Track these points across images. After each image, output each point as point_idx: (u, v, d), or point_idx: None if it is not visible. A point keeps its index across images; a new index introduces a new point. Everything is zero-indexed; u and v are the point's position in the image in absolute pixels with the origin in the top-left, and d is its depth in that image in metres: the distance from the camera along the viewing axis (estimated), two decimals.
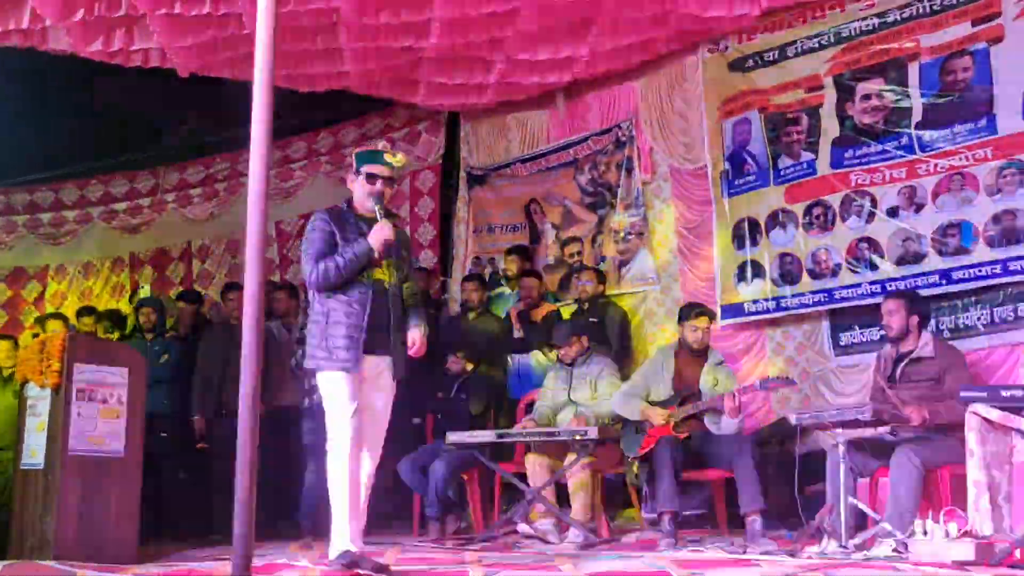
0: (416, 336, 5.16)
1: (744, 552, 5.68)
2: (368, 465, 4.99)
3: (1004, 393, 4.86)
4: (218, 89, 8.70)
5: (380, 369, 5.03)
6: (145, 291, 11.55)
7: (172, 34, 7.34)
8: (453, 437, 6.96)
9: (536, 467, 6.87)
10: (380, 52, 7.91)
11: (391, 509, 8.53)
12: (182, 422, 8.40)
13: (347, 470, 4.82)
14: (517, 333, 8.48)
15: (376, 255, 4.94)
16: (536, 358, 8.33)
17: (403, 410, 8.08)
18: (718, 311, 7.87)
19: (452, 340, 8.28)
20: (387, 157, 5.06)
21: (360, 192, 5.09)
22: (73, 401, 5.87)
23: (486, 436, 6.93)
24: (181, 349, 8.75)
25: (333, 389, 4.92)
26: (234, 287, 8.57)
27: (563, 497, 6.94)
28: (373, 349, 4.97)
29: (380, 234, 4.92)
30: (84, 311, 10.16)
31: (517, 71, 8.51)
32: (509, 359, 8.43)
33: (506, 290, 9.23)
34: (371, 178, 5.04)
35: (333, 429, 4.88)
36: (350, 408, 4.87)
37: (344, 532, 4.78)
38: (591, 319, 8.08)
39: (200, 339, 8.72)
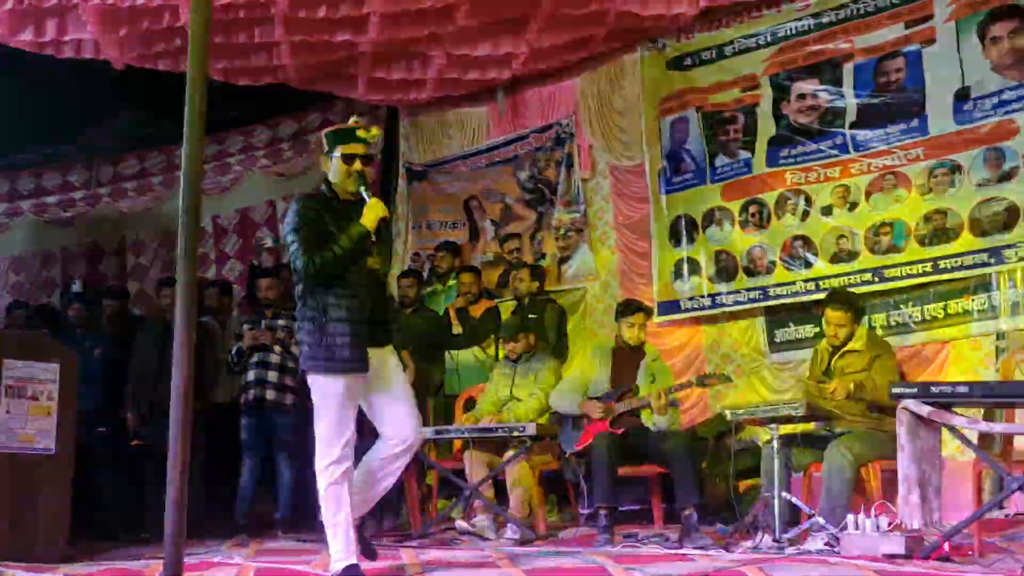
0: None
1: (680, 547, 5.71)
2: (398, 451, 4.66)
3: (934, 389, 4.94)
4: (154, 82, 8.57)
5: (384, 358, 4.67)
6: (77, 286, 11.36)
7: (105, 25, 7.22)
8: None
9: (474, 463, 6.85)
10: (318, 46, 7.84)
11: None
12: (114, 419, 8.27)
13: (340, 490, 4.45)
14: (455, 329, 8.45)
15: (373, 238, 4.56)
16: (475, 354, 8.32)
17: None
18: (655, 308, 7.91)
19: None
20: (360, 133, 4.69)
21: (338, 174, 4.66)
22: (2, 398, 5.75)
23: (424, 432, 6.89)
24: (112, 345, 8.61)
25: (330, 399, 4.49)
26: (168, 282, 8.44)
27: (502, 493, 6.95)
28: (374, 342, 4.62)
29: (374, 213, 4.54)
30: (14, 306, 9.97)
31: (456, 67, 8.49)
32: (447, 355, 8.41)
33: (438, 286, 9.19)
34: (348, 159, 4.63)
35: (325, 444, 4.46)
36: (345, 425, 4.48)
37: (341, 549, 4.42)
38: (530, 316, 8.08)
39: (131, 335, 8.57)
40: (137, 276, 11.31)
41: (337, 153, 4.66)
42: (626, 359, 6.73)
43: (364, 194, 4.61)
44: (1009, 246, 6.38)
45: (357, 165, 4.62)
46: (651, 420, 6.44)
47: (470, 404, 7.54)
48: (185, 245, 2.21)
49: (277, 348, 7.90)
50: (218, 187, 10.81)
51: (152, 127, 10.99)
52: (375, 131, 4.83)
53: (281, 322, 8.03)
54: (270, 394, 7.84)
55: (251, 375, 7.87)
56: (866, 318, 6.88)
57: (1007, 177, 6.44)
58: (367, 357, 4.52)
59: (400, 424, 4.65)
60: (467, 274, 8.61)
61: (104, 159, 11.65)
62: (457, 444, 7.41)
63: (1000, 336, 6.48)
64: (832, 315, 6.16)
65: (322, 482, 4.45)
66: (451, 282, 8.97)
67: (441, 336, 8.38)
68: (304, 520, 7.94)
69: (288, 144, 10.80)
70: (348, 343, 4.47)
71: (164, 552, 3.31)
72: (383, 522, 7.39)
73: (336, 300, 4.53)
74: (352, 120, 4.79)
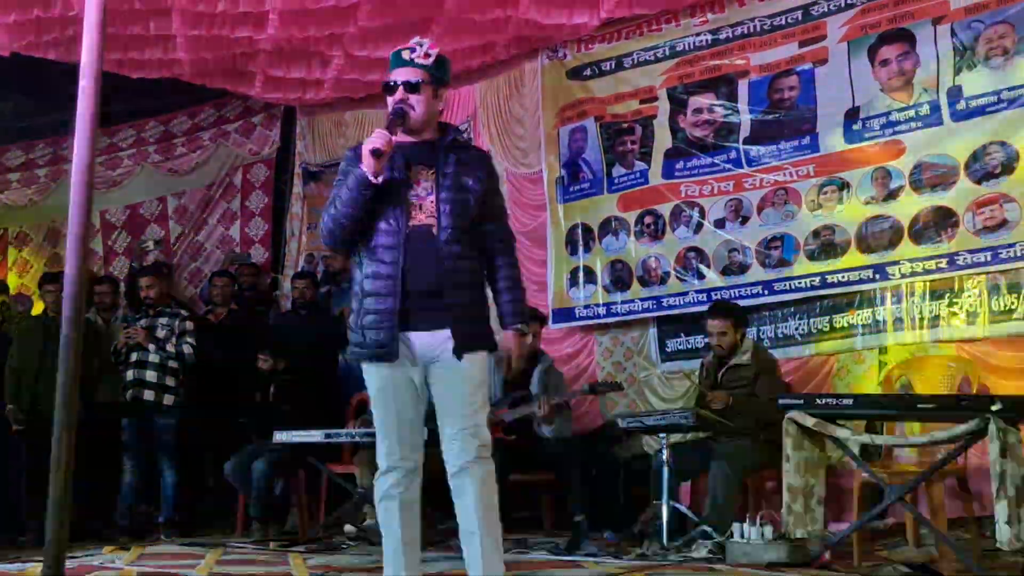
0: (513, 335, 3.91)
1: (569, 554, 5.75)
2: (454, 482, 3.72)
3: (820, 401, 5.08)
4: (41, 71, 8.33)
5: (436, 350, 3.69)
6: None
7: None
8: (280, 436, 6.83)
9: (365, 467, 6.79)
10: (215, 41, 7.71)
11: (214, 509, 8.35)
12: None
13: (388, 509, 3.76)
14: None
15: (374, 178, 3.63)
16: None
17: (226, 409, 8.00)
18: (549, 315, 7.96)
19: (271, 339, 8.11)
20: (405, 55, 3.79)
21: None
22: None
23: (313, 436, 6.82)
24: None
25: (372, 393, 3.82)
26: (51, 278, 8.21)
27: None
28: (419, 323, 3.69)
29: (365, 147, 3.62)
30: None
31: (356, 68, 8.42)
32: (341, 358, 8.33)
33: (333, 288, 9.10)
34: (388, 89, 3.79)
35: (377, 450, 3.83)
36: (390, 427, 3.75)
37: (394, 568, 3.76)
38: None
39: (9, 331, 8.31)
40: (19, 270, 10.97)
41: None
42: (520, 365, 6.73)
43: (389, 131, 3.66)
44: (893, 263, 6.55)
45: (397, 95, 3.75)
46: (541, 427, 6.46)
47: (362, 408, 7.47)
48: (75, 241, 2.14)
49: (152, 347, 7.73)
50: (108, 181, 10.53)
51: (38, 117, 10.70)
52: (424, 44, 3.81)
53: (162, 320, 7.88)
54: (148, 394, 7.70)
55: (129, 375, 7.73)
56: (753, 331, 7.04)
57: (893, 196, 6.61)
58: (398, 340, 3.67)
59: (446, 446, 3.74)
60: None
61: None
62: (348, 448, 7.36)
63: (883, 351, 6.65)
64: (712, 324, 6.33)
65: (375, 495, 3.84)
66: (345, 284, 8.88)
67: (335, 338, 8.27)
68: (187, 523, 7.81)
69: (181, 140, 10.60)
70: (376, 323, 3.70)
71: (44, 554, 3.20)
72: (270, 526, 7.27)
73: (370, 271, 3.74)
74: (412, 41, 3.84)
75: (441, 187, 3.73)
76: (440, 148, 3.80)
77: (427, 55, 3.77)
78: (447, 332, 3.67)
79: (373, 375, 3.77)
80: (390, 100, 3.77)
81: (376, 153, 3.59)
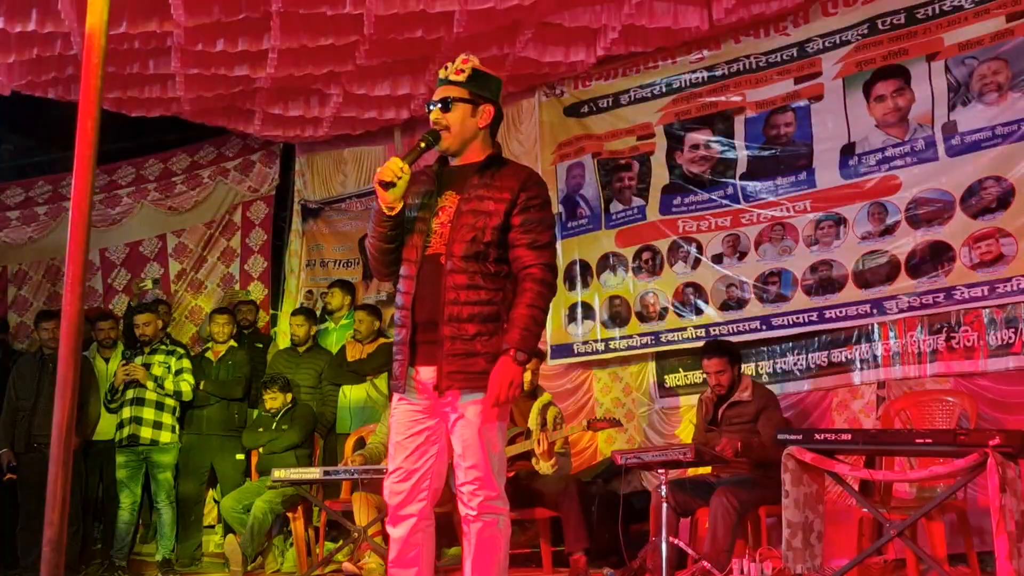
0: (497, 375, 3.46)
1: None
2: (461, 508, 3.61)
3: (818, 436, 5.06)
4: (42, 110, 8.38)
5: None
6: None
7: None
8: (278, 474, 6.81)
9: (363, 505, 6.77)
10: (215, 80, 7.75)
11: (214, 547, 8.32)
12: None
13: (393, 537, 3.61)
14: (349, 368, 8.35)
15: (387, 211, 3.52)
16: (368, 392, 8.22)
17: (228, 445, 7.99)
18: (548, 351, 7.96)
19: (272, 375, 8.12)
20: (441, 73, 3.69)
21: None
22: None
23: (312, 473, 6.80)
24: None
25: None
26: (48, 315, 8.23)
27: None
28: (422, 357, 3.56)
29: (375, 179, 3.53)
30: None
31: (354, 106, 8.47)
32: (340, 394, 8.31)
33: (331, 324, 9.09)
34: (429, 111, 3.67)
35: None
36: (397, 458, 3.59)
37: None
38: None
39: (8, 368, 8.32)
40: (19, 309, 10.96)
41: None
42: (518, 402, 6.73)
43: (415, 152, 3.57)
44: (890, 298, 6.56)
45: (434, 115, 3.64)
46: (542, 464, 6.45)
47: (360, 445, 7.46)
48: (73, 278, 2.15)
49: (150, 384, 7.75)
50: (107, 219, 10.56)
51: (38, 155, 10.75)
52: (458, 60, 3.68)
53: (158, 358, 7.90)
54: (145, 432, 7.69)
55: (126, 412, 7.74)
56: (752, 366, 7.04)
57: (889, 231, 6.64)
58: (408, 375, 3.56)
59: (457, 493, 3.60)
60: (362, 312, 8.49)
61: None
62: (346, 485, 7.33)
63: (881, 385, 6.65)
64: (708, 364, 6.31)
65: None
66: (344, 320, 8.88)
67: (333, 375, 8.26)
68: (185, 562, 7.78)
69: (180, 177, 10.62)
70: (396, 353, 3.63)
71: None
72: (267, 563, 7.24)
73: (396, 300, 3.66)
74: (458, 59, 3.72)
75: (459, 212, 3.55)
76: (471, 171, 3.64)
77: (460, 71, 3.63)
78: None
79: (393, 406, 3.66)
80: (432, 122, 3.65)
81: (385, 185, 3.48)
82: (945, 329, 6.42)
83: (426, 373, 3.53)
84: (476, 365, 3.47)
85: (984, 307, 6.27)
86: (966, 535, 5.47)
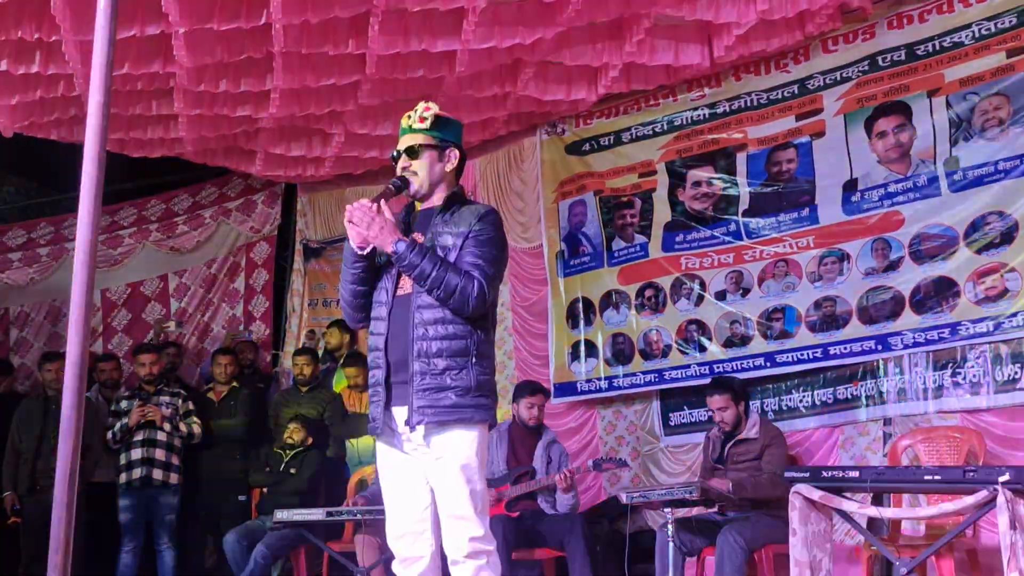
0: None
1: None
2: (447, 549, 3.58)
3: (825, 474, 5.02)
4: (43, 151, 8.40)
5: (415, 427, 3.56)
6: None
7: None
8: (281, 515, 6.75)
9: (365, 546, 6.71)
10: (217, 120, 7.77)
11: None
12: None
13: None
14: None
15: (359, 250, 3.61)
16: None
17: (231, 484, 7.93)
18: (551, 389, 7.92)
19: (287, 412, 8.08)
20: (404, 122, 3.79)
21: None
22: None
23: (315, 514, 6.74)
24: None
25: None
26: (51, 357, 8.21)
27: None
28: (396, 397, 3.60)
29: (345, 219, 3.63)
30: None
31: (356, 145, 8.48)
32: (349, 444, 8.24)
33: (338, 367, 9.06)
34: (394, 159, 3.77)
35: None
36: (388, 506, 3.65)
37: None
38: None
39: (11, 411, 8.27)
40: (20, 350, 10.93)
41: None
42: (523, 440, 6.70)
43: (384, 198, 3.64)
44: (895, 334, 6.54)
45: (402, 162, 3.74)
46: (548, 502, 6.40)
47: (361, 485, 7.40)
48: (77, 320, 2.13)
49: (167, 426, 7.72)
50: (109, 260, 10.55)
51: (40, 196, 10.76)
52: (419, 108, 3.80)
53: (165, 399, 7.88)
54: (157, 473, 7.64)
55: (137, 453, 7.67)
56: (757, 404, 7.01)
57: (893, 267, 6.63)
58: (384, 417, 3.60)
59: (443, 534, 3.61)
60: (352, 368, 8.31)
61: None
62: (349, 526, 7.27)
63: (887, 422, 6.61)
64: (712, 400, 6.28)
65: None
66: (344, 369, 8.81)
67: (334, 417, 8.19)
68: None
69: (182, 218, 10.63)
70: (372, 395, 3.67)
71: None
72: None
73: (369, 343, 3.72)
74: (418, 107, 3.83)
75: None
76: (434, 212, 3.73)
77: (422, 118, 3.74)
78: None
79: (377, 451, 3.69)
80: (398, 170, 3.74)
81: (350, 224, 3.59)
82: (951, 365, 6.39)
83: (400, 413, 3.58)
84: (446, 399, 3.50)
85: (989, 342, 6.24)
86: (976, 573, 5.41)
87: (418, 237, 3.67)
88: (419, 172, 3.70)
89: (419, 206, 3.80)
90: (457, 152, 3.81)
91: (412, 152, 3.72)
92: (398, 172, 3.72)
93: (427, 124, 3.74)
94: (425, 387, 3.51)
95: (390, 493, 3.65)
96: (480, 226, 3.66)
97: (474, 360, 3.57)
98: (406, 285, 3.62)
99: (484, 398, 3.60)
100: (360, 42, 6.57)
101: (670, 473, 7.52)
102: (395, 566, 3.65)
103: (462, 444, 3.52)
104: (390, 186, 3.67)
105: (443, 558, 3.61)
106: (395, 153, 3.77)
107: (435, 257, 3.55)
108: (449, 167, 3.78)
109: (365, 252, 3.63)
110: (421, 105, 3.79)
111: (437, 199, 3.76)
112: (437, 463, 3.53)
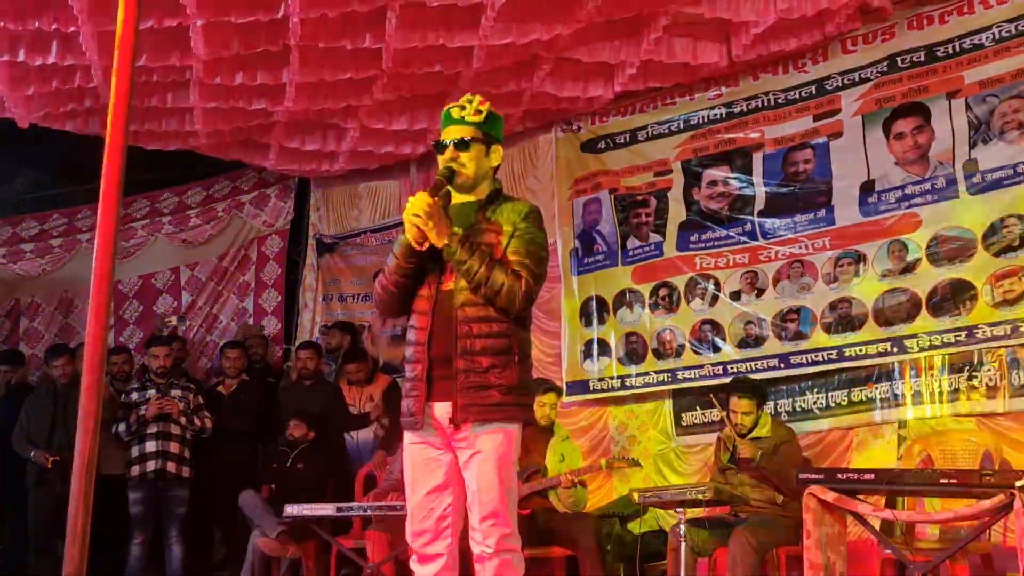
0: None
1: None
2: (474, 546, 3.55)
3: (840, 475, 4.99)
4: (57, 142, 8.39)
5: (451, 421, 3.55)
6: None
7: (14, 83, 7.05)
8: (291, 509, 6.73)
9: (375, 542, 6.69)
10: (232, 113, 7.76)
11: None
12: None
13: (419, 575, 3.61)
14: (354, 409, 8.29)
15: (417, 246, 3.54)
16: (376, 433, 8.17)
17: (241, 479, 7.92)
18: (564, 387, 7.89)
19: (291, 407, 8.06)
20: (455, 112, 3.72)
21: None
22: None
23: (325, 509, 6.71)
24: (4, 412, 8.27)
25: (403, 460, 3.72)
26: (57, 352, 8.21)
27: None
28: (438, 392, 3.56)
29: (404, 214, 3.54)
30: None
31: (371, 140, 8.47)
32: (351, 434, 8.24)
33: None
34: (439, 148, 3.70)
35: None
36: (412, 500, 3.60)
37: None
38: None
39: (22, 400, 8.25)
40: (30, 341, 10.94)
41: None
42: (535, 438, 6.67)
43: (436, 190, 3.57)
44: (911, 336, 6.50)
45: (448, 154, 3.67)
46: (558, 501, 6.38)
47: (369, 480, 7.39)
48: (97, 309, 2.11)
49: (182, 419, 7.72)
50: (121, 252, 10.54)
51: (54, 188, 10.75)
52: (475, 100, 3.74)
53: (175, 392, 7.87)
54: (171, 467, 7.64)
55: (151, 446, 7.65)
56: (771, 405, 6.97)
57: (910, 269, 6.59)
58: (425, 411, 3.55)
59: (470, 532, 3.57)
60: (353, 364, 8.34)
61: (1, 219, 11.32)
62: (358, 521, 7.26)
63: (902, 424, 6.58)
64: (738, 403, 6.23)
65: None
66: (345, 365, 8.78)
67: (337, 413, 8.18)
68: None
69: (195, 211, 10.62)
70: (409, 390, 3.63)
71: None
72: None
73: (409, 337, 3.67)
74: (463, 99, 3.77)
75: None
76: (472, 207, 3.69)
77: (478, 112, 3.69)
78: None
79: (406, 445, 3.65)
80: (440, 160, 3.69)
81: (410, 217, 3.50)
82: (967, 368, 6.35)
83: (441, 409, 3.53)
84: (490, 397, 3.48)
85: (1006, 346, 6.20)
86: None
87: (471, 238, 3.61)
88: (467, 165, 3.65)
89: (454, 198, 3.74)
90: (501, 149, 3.79)
91: (462, 144, 3.65)
92: (443, 163, 3.66)
93: (480, 118, 3.69)
94: (470, 384, 3.49)
95: (416, 488, 3.60)
96: (525, 224, 3.64)
97: (517, 359, 3.56)
98: (450, 281, 3.59)
99: (525, 396, 3.61)
100: (377, 36, 6.56)
101: (682, 473, 7.48)
102: (413, 563, 3.62)
103: (502, 441, 3.51)
104: (440, 178, 3.61)
105: (461, 558, 3.59)
106: (441, 143, 3.70)
107: (484, 254, 3.51)
108: (494, 162, 3.75)
109: (423, 248, 3.56)
110: (476, 97, 3.73)
111: (480, 193, 3.72)
112: (476, 459, 3.50)
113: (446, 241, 3.50)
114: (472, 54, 6.79)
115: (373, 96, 7.47)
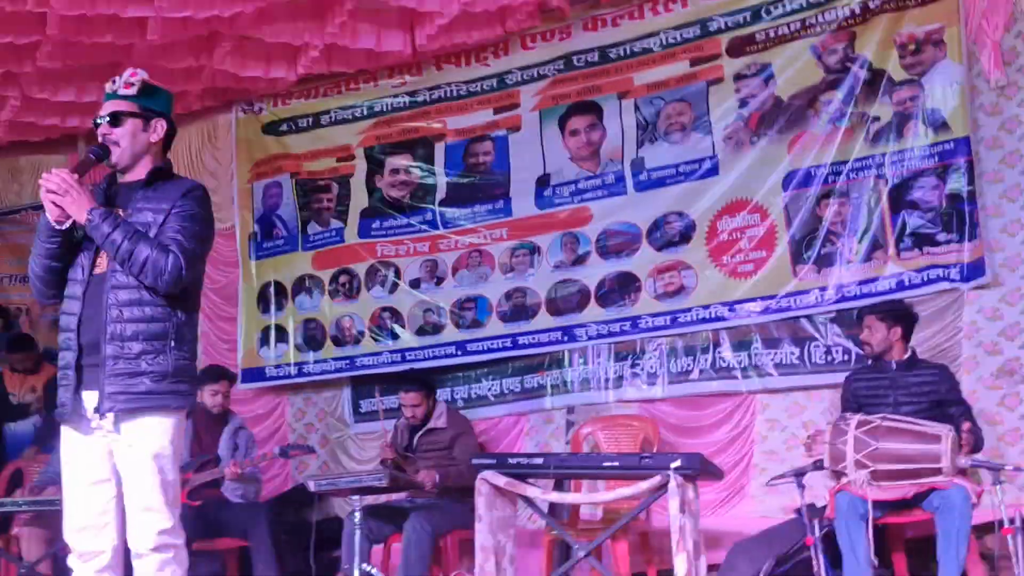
0: None
1: None
2: (135, 542, 3.36)
3: (511, 460, 5.12)
4: None
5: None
6: None
7: None
8: None
9: (31, 540, 6.29)
10: None
11: None
12: None
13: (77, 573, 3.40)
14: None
15: (58, 225, 3.35)
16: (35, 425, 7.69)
17: None
18: (239, 374, 7.69)
19: None
20: (108, 87, 3.57)
21: None
22: None
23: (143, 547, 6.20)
24: None
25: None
26: None
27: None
28: (87, 381, 3.38)
29: (40, 191, 3.35)
30: None
31: (34, 111, 7.90)
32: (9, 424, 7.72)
33: None
34: (96, 126, 3.53)
35: None
36: (65, 489, 3.44)
37: None
38: None
39: None
40: None
41: None
42: (207, 427, 6.46)
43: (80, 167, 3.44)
44: (580, 326, 6.78)
45: (103, 129, 3.50)
46: (233, 491, 6.22)
47: (15, 477, 6.94)
48: None
49: None
50: None
51: None
52: (125, 73, 3.58)
53: None
54: None
55: None
56: (447, 392, 7.09)
57: (581, 261, 6.86)
58: (75, 402, 3.38)
59: (130, 522, 3.40)
60: (19, 353, 7.88)
61: None
62: (13, 519, 6.79)
63: (570, 410, 6.84)
64: (407, 397, 6.32)
65: None
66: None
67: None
68: None
69: None
70: (61, 379, 3.43)
71: None
72: None
73: (60, 323, 3.47)
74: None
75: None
76: (138, 186, 3.52)
77: (129, 84, 3.53)
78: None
79: (63, 438, 3.45)
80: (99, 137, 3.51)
81: (47, 193, 3.32)
82: (630, 356, 6.69)
83: (90, 398, 3.36)
84: (140, 385, 3.33)
85: (666, 336, 6.58)
86: (648, 555, 5.69)
87: (120, 212, 3.45)
88: (121, 141, 3.49)
89: (120, 178, 3.57)
90: (165, 123, 3.60)
91: (115, 119, 3.49)
92: (99, 140, 3.49)
93: (133, 91, 3.53)
94: (118, 372, 3.33)
95: (73, 483, 3.42)
96: (183, 202, 3.48)
97: (172, 344, 3.41)
98: (103, 263, 3.41)
99: (182, 384, 3.43)
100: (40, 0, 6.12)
101: (359, 460, 7.48)
102: (72, 560, 3.42)
103: (155, 432, 3.35)
104: (89, 155, 3.45)
105: (126, 552, 3.42)
106: (97, 120, 3.53)
107: (128, 228, 3.34)
108: (155, 138, 3.57)
109: (64, 227, 3.38)
110: (128, 70, 3.56)
111: (141, 172, 3.54)
112: (127, 451, 3.34)
113: (88, 216, 3.32)
114: (147, 25, 6.46)
115: (36, 63, 6.97)
